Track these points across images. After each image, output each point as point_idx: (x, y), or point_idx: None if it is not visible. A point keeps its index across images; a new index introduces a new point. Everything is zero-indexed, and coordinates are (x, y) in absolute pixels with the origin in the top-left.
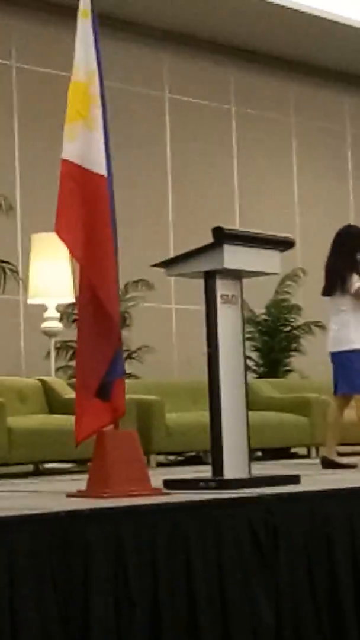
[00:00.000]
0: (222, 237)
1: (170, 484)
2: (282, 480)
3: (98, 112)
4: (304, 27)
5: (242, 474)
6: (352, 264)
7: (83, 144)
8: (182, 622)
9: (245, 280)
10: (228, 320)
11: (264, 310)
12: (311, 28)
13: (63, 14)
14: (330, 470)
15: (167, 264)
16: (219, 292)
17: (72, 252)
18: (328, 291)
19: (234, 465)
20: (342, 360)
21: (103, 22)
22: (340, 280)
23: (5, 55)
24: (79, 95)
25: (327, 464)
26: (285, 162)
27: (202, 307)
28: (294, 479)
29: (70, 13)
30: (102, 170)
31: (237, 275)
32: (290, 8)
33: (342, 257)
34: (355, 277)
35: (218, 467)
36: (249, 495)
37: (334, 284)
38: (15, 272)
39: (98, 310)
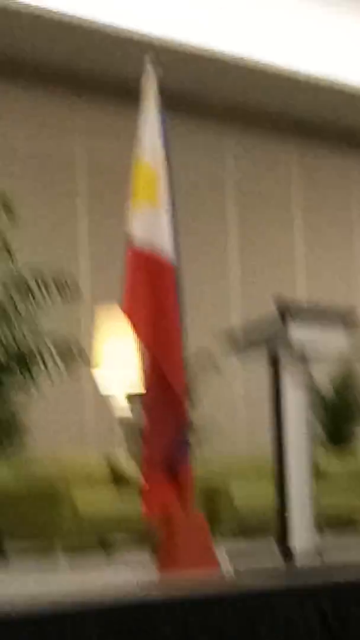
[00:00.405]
0: (287, 312)
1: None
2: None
3: (165, 196)
4: None
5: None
6: None
7: (150, 227)
8: None
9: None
10: (294, 405)
11: (329, 385)
12: None
13: (128, 94)
14: None
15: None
16: (284, 377)
17: (139, 337)
18: None
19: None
20: None
21: (166, 101)
22: None
23: (71, 141)
24: (146, 178)
25: None
26: (347, 235)
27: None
28: None
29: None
30: (169, 256)
31: (304, 358)
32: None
33: None
34: None
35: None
36: (320, 582)
37: None
38: (83, 355)
39: (165, 393)
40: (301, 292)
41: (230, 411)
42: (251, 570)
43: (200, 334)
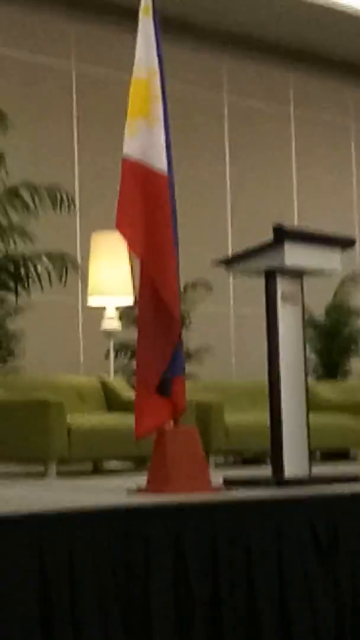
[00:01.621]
0: (283, 235)
1: (230, 482)
2: (343, 479)
3: (159, 109)
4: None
5: (303, 474)
6: None
7: (144, 140)
8: (243, 620)
9: (305, 283)
10: (288, 319)
11: (323, 313)
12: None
13: (122, 14)
14: None
15: (228, 262)
16: (279, 291)
17: (132, 248)
18: None
19: (295, 464)
20: None
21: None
22: None
23: (66, 57)
24: (140, 93)
25: None
26: (344, 163)
27: (260, 310)
28: (355, 479)
29: (129, 14)
30: (164, 169)
31: (297, 274)
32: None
33: None
34: None
35: (278, 466)
36: (310, 494)
37: None
38: (76, 267)
39: (158, 307)
40: (298, 220)
41: (225, 335)
42: (242, 480)
43: (196, 260)
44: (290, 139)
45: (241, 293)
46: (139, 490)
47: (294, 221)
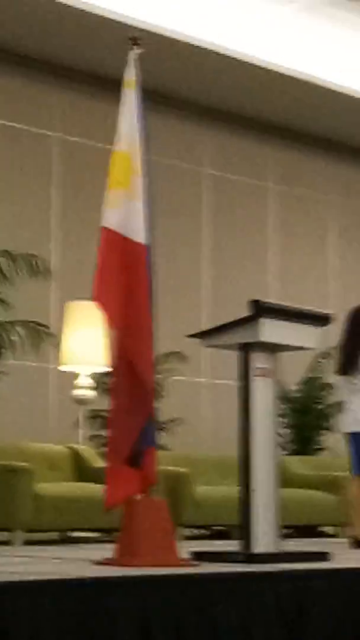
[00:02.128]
0: (259, 310)
1: (198, 556)
2: (312, 556)
3: (140, 182)
4: (345, 107)
5: (272, 549)
6: None
7: (124, 212)
8: None
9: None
10: (261, 394)
11: (296, 388)
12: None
13: (107, 87)
14: (357, 549)
15: (203, 335)
16: (253, 365)
17: (109, 319)
18: (344, 370)
19: (264, 540)
20: None
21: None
22: (357, 360)
23: (48, 126)
24: (121, 165)
25: (357, 544)
26: (321, 241)
27: (233, 382)
28: (324, 556)
29: (113, 87)
30: (142, 239)
31: (272, 349)
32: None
33: (356, 336)
34: None
35: (247, 541)
36: (279, 570)
37: (352, 362)
38: (51, 336)
39: (132, 378)
40: (274, 294)
41: (196, 408)
42: (210, 554)
43: (171, 334)
44: (268, 213)
45: (217, 364)
46: (106, 561)
47: (271, 296)
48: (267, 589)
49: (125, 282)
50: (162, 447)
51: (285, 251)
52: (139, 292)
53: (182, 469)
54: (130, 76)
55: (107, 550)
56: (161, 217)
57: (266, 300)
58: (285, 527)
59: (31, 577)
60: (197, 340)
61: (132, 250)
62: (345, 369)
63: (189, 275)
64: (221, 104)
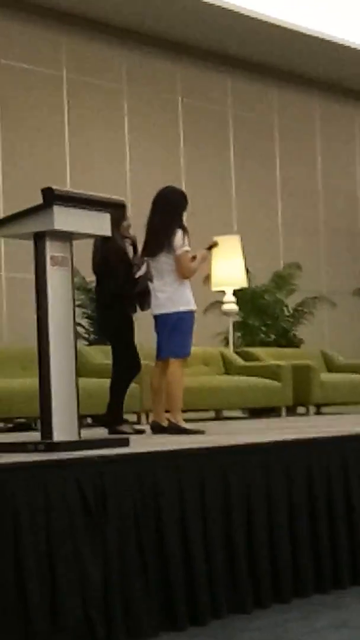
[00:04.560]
0: (52, 197)
1: None
2: (111, 443)
3: None
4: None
5: (72, 438)
6: (178, 223)
7: None
8: (9, 584)
9: (76, 247)
10: (58, 283)
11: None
12: None
13: None
14: (158, 435)
15: None
16: (48, 254)
17: None
18: (154, 251)
19: (64, 428)
20: (174, 322)
21: None
22: (167, 239)
23: None
24: None
25: (158, 429)
26: (117, 129)
27: (32, 275)
28: (123, 442)
29: None
30: None
31: (67, 237)
32: None
33: (168, 217)
34: (180, 234)
35: (47, 431)
36: (78, 457)
37: (161, 244)
38: None
39: None
40: (70, 183)
41: None
42: (9, 445)
43: None
44: (63, 103)
45: (12, 256)
46: None
47: (67, 186)
48: (68, 475)
49: None
50: None
51: (81, 142)
52: None
53: None
54: None
55: None
56: None
57: (59, 187)
58: (87, 416)
59: None
60: None
61: None
62: (153, 250)
63: None
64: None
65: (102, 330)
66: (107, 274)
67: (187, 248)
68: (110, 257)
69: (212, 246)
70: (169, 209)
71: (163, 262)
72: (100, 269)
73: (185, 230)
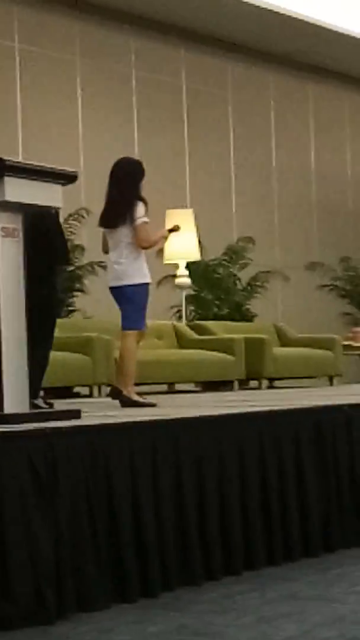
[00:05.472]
0: (3, 168)
1: None
2: (63, 415)
3: None
4: None
5: (23, 410)
6: (137, 194)
7: None
8: None
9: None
10: (9, 254)
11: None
12: None
13: None
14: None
15: None
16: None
17: None
18: (113, 223)
19: (15, 400)
20: (129, 294)
21: None
22: (127, 211)
23: None
24: None
25: (117, 394)
26: (70, 100)
27: None
28: (75, 414)
29: None
30: None
31: (18, 208)
32: None
33: (126, 188)
34: (140, 205)
35: None
36: (29, 429)
37: (120, 215)
38: None
39: None
40: (22, 153)
41: None
42: None
43: None
44: (15, 74)
45: None
46: None
47: (19, 157)
48: (18, 447)
49: None
50: None
51: (33, 112)
52: None
53: None
54: None
55: None
56: None
57: (10, 158)
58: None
59: None
60: None
61: None
62: (111, 221)
63: None
64: None
65: None
66: None
67: (146, 219)
68: None
69: (173, 229)
70: (127, 180)
71: (121, 234)
72: None
73: (145, 202)
